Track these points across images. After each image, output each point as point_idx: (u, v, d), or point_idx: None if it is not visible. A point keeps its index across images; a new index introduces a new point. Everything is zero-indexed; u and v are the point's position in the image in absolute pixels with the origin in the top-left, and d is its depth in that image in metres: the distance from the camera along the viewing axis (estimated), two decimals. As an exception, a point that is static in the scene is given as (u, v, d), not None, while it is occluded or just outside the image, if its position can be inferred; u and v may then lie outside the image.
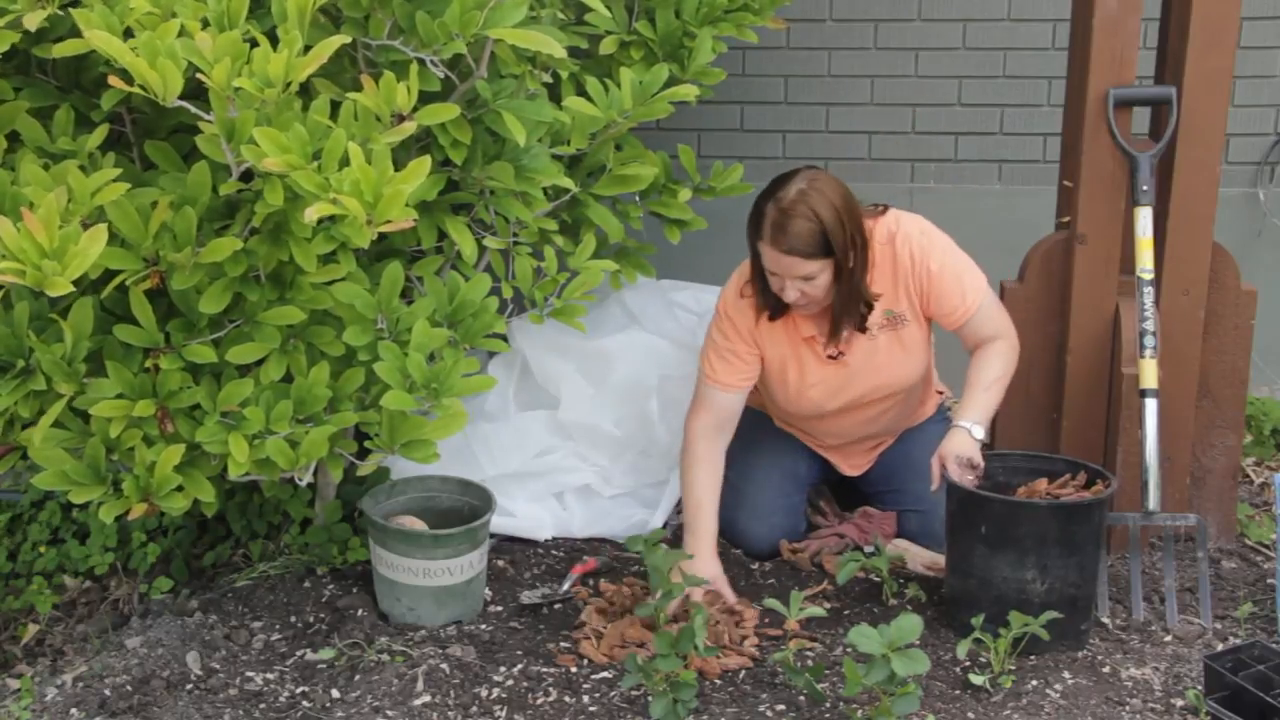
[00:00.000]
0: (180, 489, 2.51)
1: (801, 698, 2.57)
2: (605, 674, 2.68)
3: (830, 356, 3.01)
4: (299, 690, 2.65)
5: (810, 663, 2.62)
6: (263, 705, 2.59)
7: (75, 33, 2.19)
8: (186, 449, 2.49)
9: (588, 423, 3.32)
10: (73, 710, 2.58)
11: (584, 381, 3.37)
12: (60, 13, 2.24)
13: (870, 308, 2.92)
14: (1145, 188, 2.97)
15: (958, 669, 2.66)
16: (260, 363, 2.57)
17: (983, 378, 2.90)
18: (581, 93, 2.86)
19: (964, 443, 2.81)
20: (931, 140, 4.17)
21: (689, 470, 3.02)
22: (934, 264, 2.91)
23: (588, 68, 3.02)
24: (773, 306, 2.96)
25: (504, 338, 2.83)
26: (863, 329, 2.95)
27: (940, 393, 3.38)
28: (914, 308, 2.96)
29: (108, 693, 2.61)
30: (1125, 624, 2.83)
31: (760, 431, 3.28)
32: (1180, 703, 2.53)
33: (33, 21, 2.18)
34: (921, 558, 3.08)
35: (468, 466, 3.24)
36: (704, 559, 2.92)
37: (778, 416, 3.30)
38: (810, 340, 3.00)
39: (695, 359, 3.40)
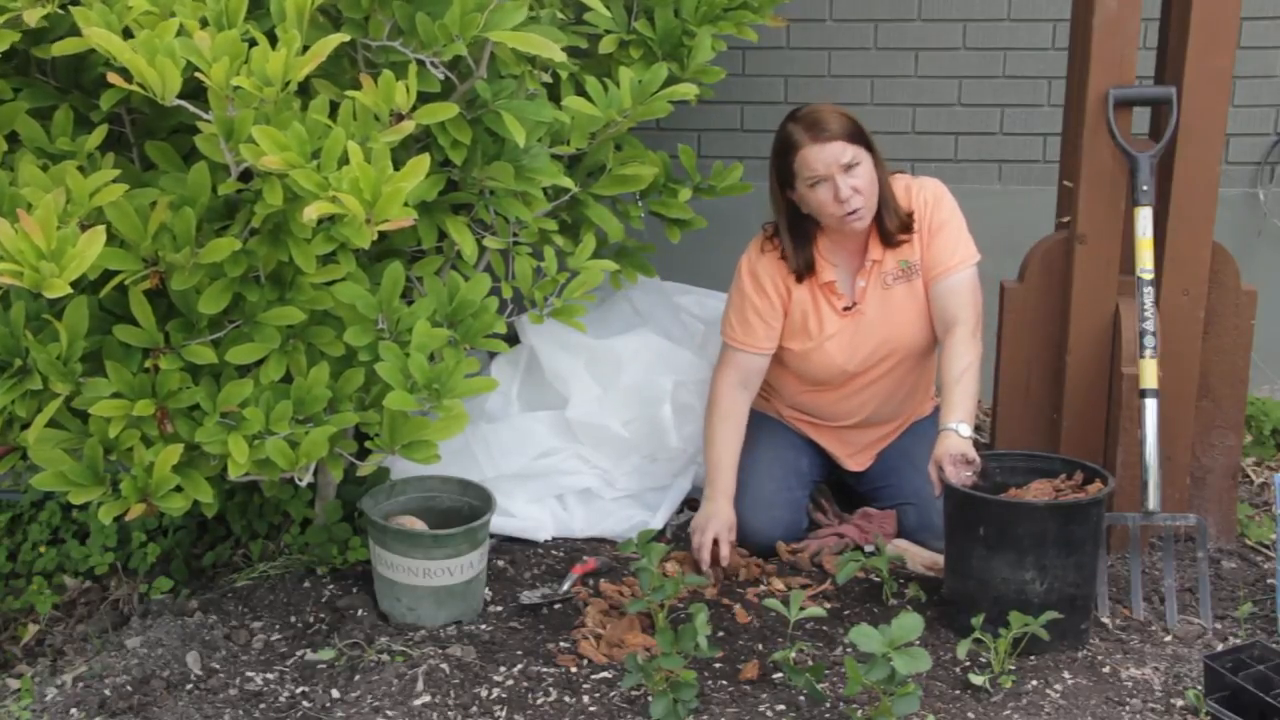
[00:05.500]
0: (179, 489, 2.51)
1: (801, 698, 2.57)
2: (605, 674, 2.68)
3: (846, 308, 3.13)
4: (299, 690, 2.65)
5: (810, 662, 2.62)
6: (263, 705, 2.59)
7: (74, 32, 2.19)
8: (186, 449, 2.49)
9: (596, 423, 3.32)
10: (73, 710, 2.58)
11: (594, 381, 3.37)
12: (60, 11, 2.24)
13: (907, 221, 3.08)
14: (1145, 188, 2.96)
15: (958, 669, 2.66)
16: (260, 363, 2.57)
17: (952, 371, 2.99)
18: (581, 92, 2.86)
19: (954, 443, 2.84)
20: (931, 140, 4.17)
21: (715, 425, 3.20)
22: (943, 213, 3.10)
23: (587, 67, 3.02)
24: (800, 264, 3.12)
25: (505, 338, 2.83)
26: (895, 244, 3.09)
27: (936, 400, 3.40)
28: (923, 256, 3.12)
29: (108, 693, 2.61)
30: (1125, 624, 2.83)
31: (765, 429, 3.32)
32: (1180, 703, 2.53)
33: (32, 17, 2.18)
34: (921, 558, 3.08)
35: (468, 467, 3.24)
36: (724, 506, 3.13)
37: (789, 402, 3.33)
38: (828, 287, 3.13)
39: (706, 366, 3.41)
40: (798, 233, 3.11)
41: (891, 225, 3.07)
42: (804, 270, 3.13)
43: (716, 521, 3.09)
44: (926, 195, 3.10)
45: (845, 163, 2.95)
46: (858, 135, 2.98)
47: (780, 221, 3.11)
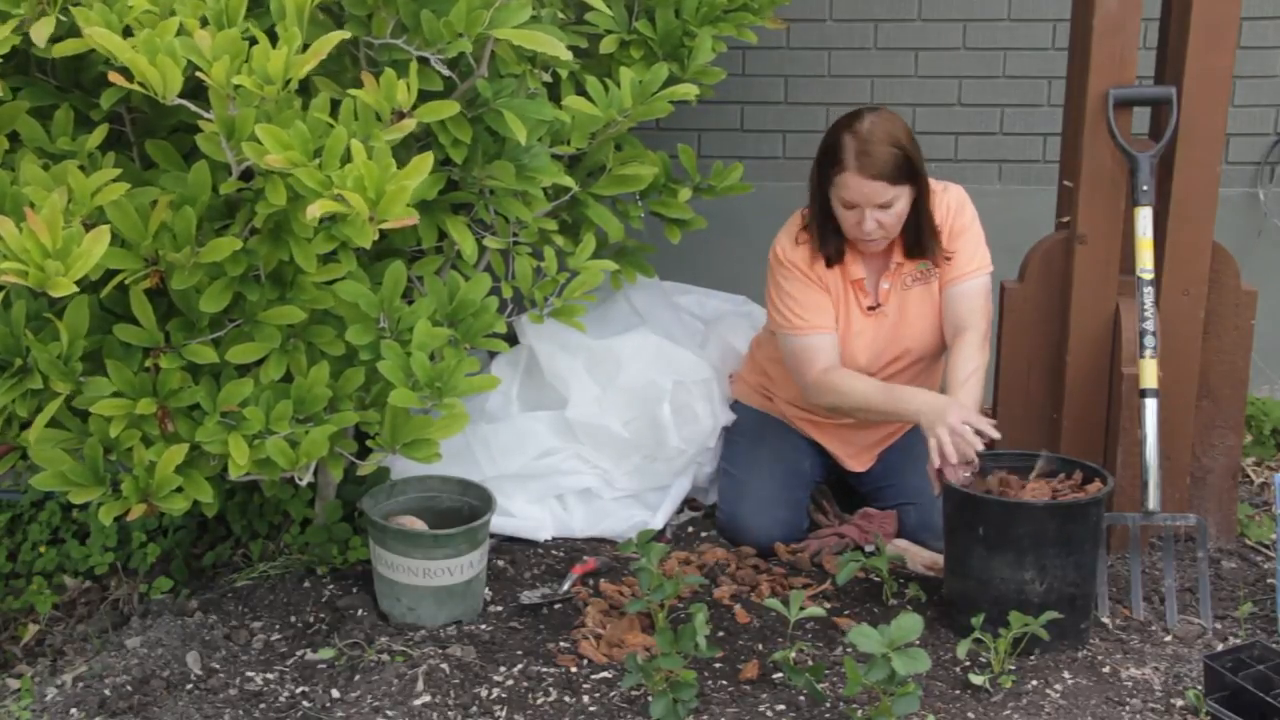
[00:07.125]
0: (180, 490, 2.51)
1: (801, 698, 2.56)
2: (605, 674, 2.68)
3: (870, 308, 3.15)
4: (299, 690, 2.64)
5: (810, 662, 2.62)
6: (263, 705, 2.59)
7: (75, 32, 2.19)
8: (186, 449, 2.49)
9: (596, 423, 3.31)
10: (73, 710, 2.58)
11: (593, 381, 3.37)
12: (62, 17, 2.24)
13: (936, 238, 3.08)
14: (1145, 188, 2.97)
15: (958, 669, 2.66)
16: (260, 362, 2.57)
17: (958, 374, 3.00)
18: (581, 92, 2.86)
19: None
20: (931, 140, 4.16)
21: (848, 382, 3.04)
22: (964, 220, 3.12)
23: (588, 67, 3.02)
24: (830, 252, 3.09)
25: (505, 337, 2.83)
26: (934, 258, 3.10)
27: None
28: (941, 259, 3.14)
29: (108, 693, 2.61)
30: (1125, 624, 2.83)
31: (767, 430, 3.32)
32: (1180, 703, 2.53)
33: (41, 34, 2.17)
34: (921, 558, 3.08)
35: (468, 467, 3.24)
36: (930, 397, 2.96)
37: (792, 398, 3.31)
38: (858, 284, 3.13)
39: (706, 366, 3.40)
40: (828, 222, 3.08)
41: (929, 251, 3.08)
42: (834, 256, 3.10)
43: (955, 407, 2.84)
44: (950, 201, 3.11)
45: (880, 202, 2.94)
46: (904, 175, 2.94)
47: (813, 207, 3.09)
